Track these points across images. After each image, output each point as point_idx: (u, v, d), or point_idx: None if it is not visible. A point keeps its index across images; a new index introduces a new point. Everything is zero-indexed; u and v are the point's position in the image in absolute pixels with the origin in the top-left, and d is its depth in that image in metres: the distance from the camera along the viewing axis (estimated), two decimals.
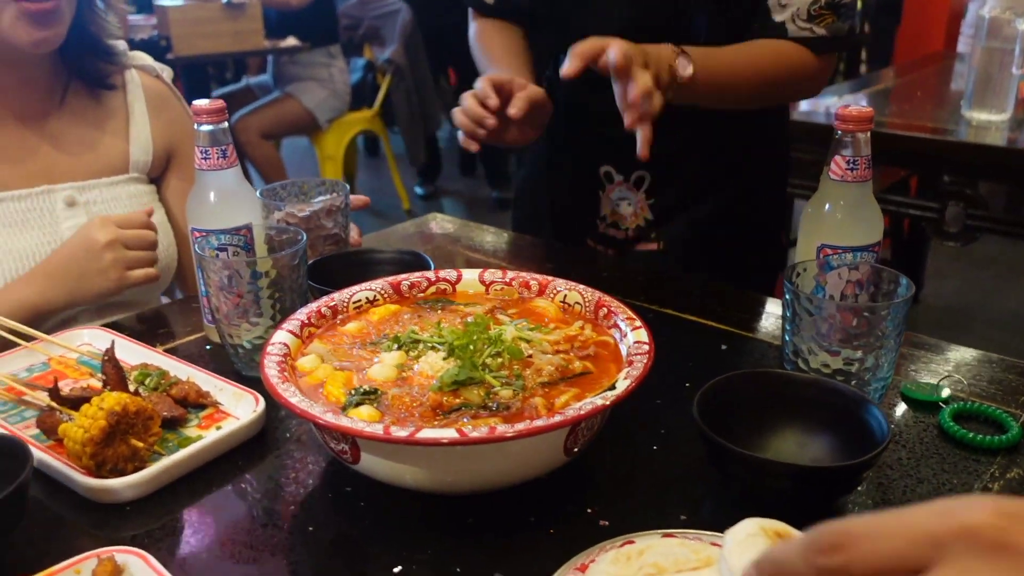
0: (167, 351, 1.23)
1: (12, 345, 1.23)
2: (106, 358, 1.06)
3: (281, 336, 1.01)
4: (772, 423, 0.98)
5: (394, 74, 5.33)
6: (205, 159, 1.20)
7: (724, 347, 1.29)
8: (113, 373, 1.05)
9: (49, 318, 1.39)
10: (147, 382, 1.11)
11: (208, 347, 1.30)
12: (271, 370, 0.92)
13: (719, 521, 0.84)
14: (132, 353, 1.20)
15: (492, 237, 1.83)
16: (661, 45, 1.35)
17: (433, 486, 0.89)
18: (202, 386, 1.10)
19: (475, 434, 0.80)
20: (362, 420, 0.85)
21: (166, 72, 1.68)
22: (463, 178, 6.58)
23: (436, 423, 0.88)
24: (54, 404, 1.03)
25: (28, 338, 1.23)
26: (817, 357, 1.03)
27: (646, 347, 0.97)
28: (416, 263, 1.37)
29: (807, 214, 1.17)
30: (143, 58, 1.65)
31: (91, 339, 1.27)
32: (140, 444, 0.94)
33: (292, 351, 1.00)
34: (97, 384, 1.11)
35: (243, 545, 0.89)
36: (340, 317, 1.11)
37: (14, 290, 1.35)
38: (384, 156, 5.82)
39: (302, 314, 1.07)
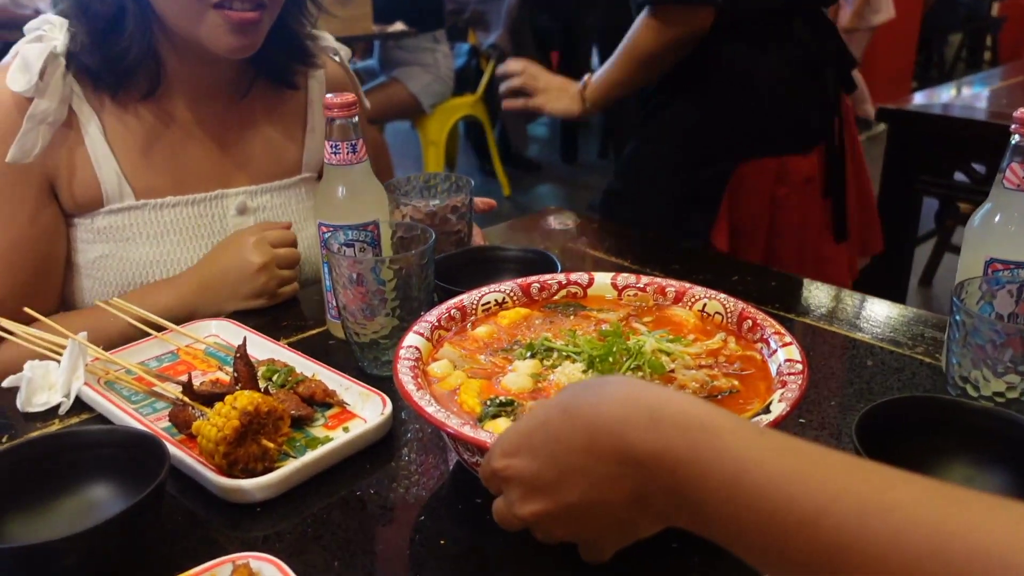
0: (291, 345, 1.22)
1: (143, 335, 1.24)
2: (238, 355, 1.05)
3: (412, 339, 0.98)
4: (938, 456, 0.90)
5: (498, 59, 5.30)
6: (335, 153, 1.18)
7: (869, 363, 1.21)
8: (245, 371, 1.04)
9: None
10: (274, 379, 1.10)
11: (331, 342, 1.29)
12: (405, 376, 0.89)
13: None
14: (257, 347, 1.20)
15: (614, 237, 1.77)
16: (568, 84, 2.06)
17: None
18: (328, 384, 1.09)
19: None
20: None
21: (344, 51, 1.58)
22: (564, 165, 6.54)
23: None
24: (186, 399, 1.03)
25: (158, 328, 1.24)
26: (990, 384, 0.94)
27: (799, 366, 0.90)
28: (542, 262, 1.33)
29: (973, 227, 1.08)
30: (326, 39, 1.54)
31: (218, 330, 1.27)
32: (271, 444, 0.93)
33: (423, 355, 0.97)
34: (225, 378, 1.12)
35: (370, 554, 0.87)
36: (470, 320, 1.08)
37: (161, 293, 1.33)
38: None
39: (432, 316, 1.04)
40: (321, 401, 1.06)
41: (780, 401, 0.84)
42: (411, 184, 1.42)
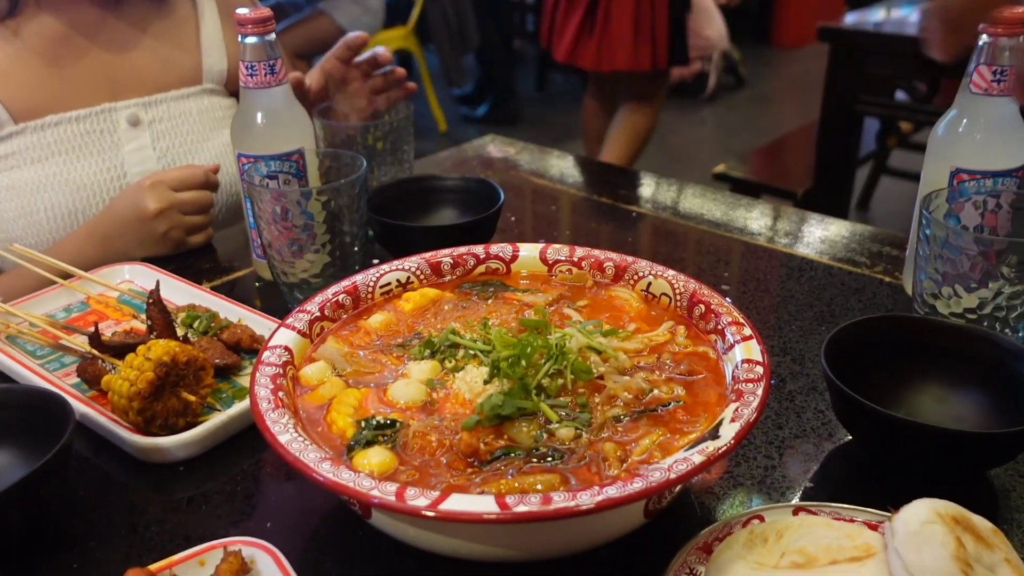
0: (214, 289, 1.12)
1: (48, 284, 1.12)
2: (151, 300, 0.94)
3: (282, 337, 0.79)
4: (909, 376, 0.85)
5: None
6: (251, 75, 1.04)
7: (828, 284, 1.14)
8: (159, 318, 0.93)
9: None
10: (195, 325, 1.00)
11: (258, 284, 1.18)
12: (262, 390, 0.70)
13: (853, 491, 0.77)
14: (177, 292, 1.08)
15: (559, 161, 1.60)
16: None
17: (465, 556, 0.67)
18: (256, 330, 0.98)
19: (521, 508, 0.58)
20: (368, 476, 0.62)
21: None
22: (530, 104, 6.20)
23: (468, 476, 0.66)
24: (95, 351, 0.91)
25: (66, 276, 1.12)
26: (961, 301, 0.88)
27: (759, 369, 0.71)
28: (483, 192, 1.21)
29: (937, 136, 1.00)
30: None
31: (132, 275, 1.16)
32: (192, 397, 0.83)
33: (296, 356, 0.78)
34: (141, 327, 1.00)
35: (309, 514, 0.76)
36: (364, 305, 0.89)
37: (63, 252, 1.20)
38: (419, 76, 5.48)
39: (313, 304, 0.84)
40: (248, 348, 0.96)
41: (733, 421, 0.65)
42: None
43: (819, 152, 3.03)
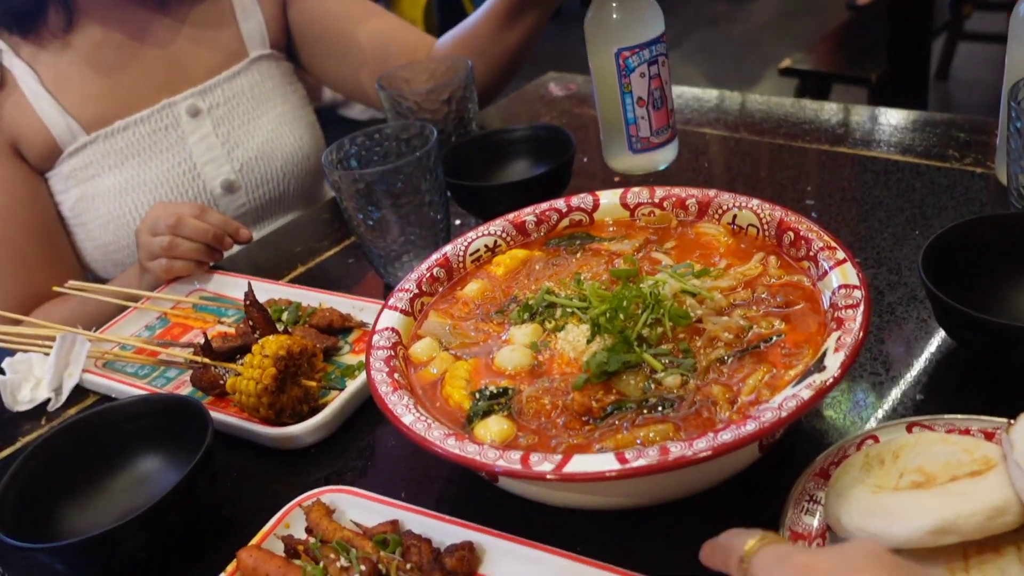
0: (294, 281, 1.18)
1: (113, 310, 1.17)
2: (248, 303, 0.98)
3: (387, 319, 0.83)
4: (1012, 276, 0.84)
5: None
6: None
7: (917, 185, 1.11)
8: (259, 317, 0.97)
9: None
10: (284, 318, 1.04)
11: (351, 260, 1.24)
12: (378, 374, 0.74)
13: (964, 400, 0.77)
14: (256, 291, 1.10)
15: None
16: None
17: (587, 506, 0.71)
18: (341, 309, 1.03)
19: (641, 461, 0.60)
20: (492, 446, 0.65)
21: None
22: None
23: (586, 434, 0.69)
24: (206, 360, 0.96)
25: (135, 299, 1.17)
26: None
27: (858, 294, 0.72)
28: (554, 139, 1.21)
29: (1019, 15, 0.93)
30: None
31: (200, 284, 1.20)
32: (311, 383, 0.89)
33: (403, 336, 0.82)
34: (230, 330, 1.06)
35: (434, 480, 0.82)
36: (457, 276, 0.92)
37: (132, 281, 1.22)
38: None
39: (410, 282, 0.88)
40: (340, 327, 1.01)
41: (836, 351, 0.66)
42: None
43: (891, 28, 2.86)
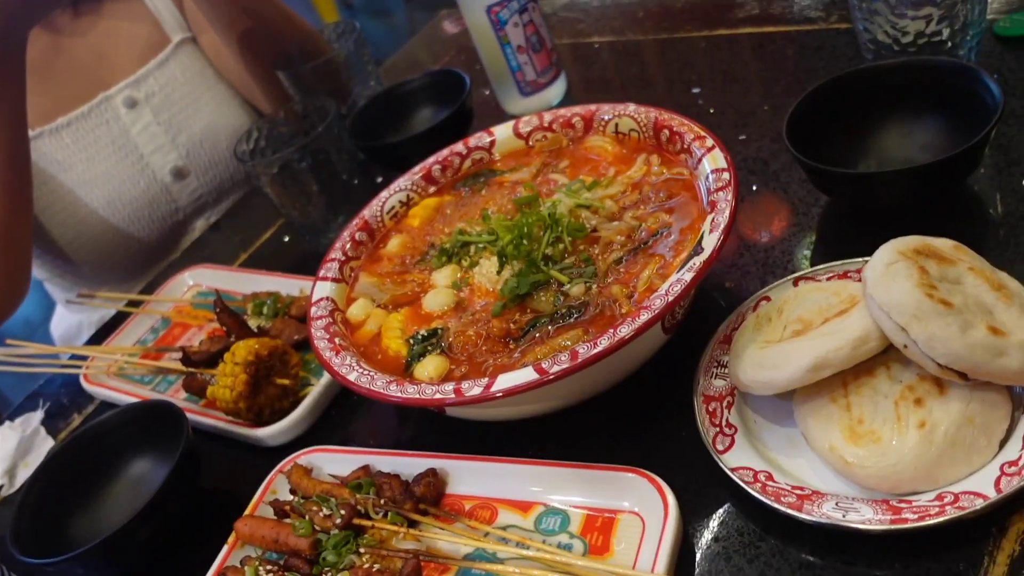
0: (250, 258, 1.26)
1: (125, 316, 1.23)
2: (218, 310, 1.02)
3: (321, 290, 0.90)
4: (872, 123, 0.91)
5: None
6: None
7: (790, 52, 1.19)
8: (231, 322, 1.02)
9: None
10: (264, 311, 1.08)
11: (286, 239, 1.29)
12: (320, 341, 0.82)
13: (845, 246, 0.85)
14: (238, 283, 1.18)
15: None
16: None
17: (528, 415, 0.79)
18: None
19: (556, 368, 0.69)
20: (429, 383, 0.74)
21: None
22: None
23: (510, 354, 0.77)
24: (190, 369, 1.02)
25: (136, 303, 1.23)
26: (903, 36, 0.93)
27: (727, 175, 0.79)
28: (451, 82, 1.26)
29: None
30: None
31: (194, 280, 1.25)
32: (286, 381, 0.94)
33: (340, 302, 0.89)
34: (221, 328, 1.08)
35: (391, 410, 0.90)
36: (379, 235, 0.98)
37: None
38: None
39: (335, 251, 0.94)
40: None
41: (712, 232, 0.74)
42: None
43: None
